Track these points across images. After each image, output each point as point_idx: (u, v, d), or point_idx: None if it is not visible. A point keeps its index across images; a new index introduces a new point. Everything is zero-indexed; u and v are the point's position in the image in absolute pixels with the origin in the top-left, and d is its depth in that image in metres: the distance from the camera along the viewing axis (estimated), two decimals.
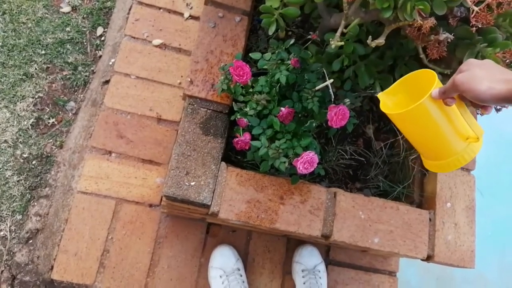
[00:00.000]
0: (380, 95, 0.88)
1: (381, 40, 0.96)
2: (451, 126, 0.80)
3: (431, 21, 0.85)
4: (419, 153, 0.92)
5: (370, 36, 0.97)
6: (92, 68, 1.62)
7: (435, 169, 0.88)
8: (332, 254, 1.52)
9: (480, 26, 0.85)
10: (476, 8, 0.83)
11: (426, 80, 0.80)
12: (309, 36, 1.17)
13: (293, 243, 1.50)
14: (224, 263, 1.38)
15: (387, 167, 1.40)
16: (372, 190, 1.37)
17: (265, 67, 1.14)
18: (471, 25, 0.85)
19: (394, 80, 1.19)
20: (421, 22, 0.86)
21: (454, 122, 0.80)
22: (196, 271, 1.41)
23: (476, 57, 0.93)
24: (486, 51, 0.91)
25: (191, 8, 1.65)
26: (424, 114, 0.78)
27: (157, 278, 1.38)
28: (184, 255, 1.41)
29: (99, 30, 1.67)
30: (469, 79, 0.71)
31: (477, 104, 0.73)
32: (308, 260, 1.43)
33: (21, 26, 1.61)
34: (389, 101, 0.87)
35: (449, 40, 0.91)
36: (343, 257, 1.53)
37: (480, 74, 0.70)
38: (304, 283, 1.38)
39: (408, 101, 0.85)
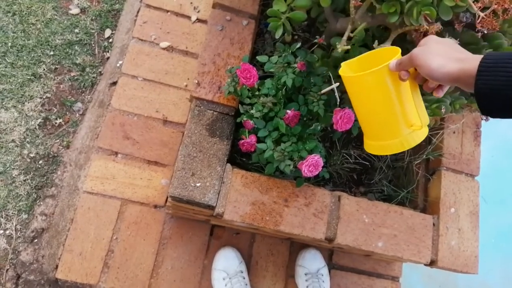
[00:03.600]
0: (343, 64, 0.86)
1: (387, 45, 0.97)
2: (401, 106, 0.78)
3: (437, 26, 0.86)
4: (363, 132, 0.89)
5: (376, 41, 0.98)
6: (99, 70, 1.64)
7: (376, 151, 0.86)
8: (335, 258, 1.52)
9: (485, 32, 0.85)
10: (481, 14, 0.83)
11: (391, 56, 0.78)
12: (315, 40, 1.18)
13: (296, 246, 1.50)
14: (227, 265, 1.38)
15: (391, 172, 1.41)
16: (376, 195, 1.38)
17: (272, 70, 1.15)
18: (476, 30, 0.86)
19: None
20: (427, 27, 0.87)
21: (404, 103, 0.78)
22: (199, 273, 1.41)
23: None
24: None
25: (198, 11, 1.67)
26: (378, 82, 0.76)
27: (160, 279, 1.38)
28: (188, 256, 1.42)
29: (107, 32, 1.69)
30: (424, 54, 0.69)
31: (431, 87, 0.72)
32: (311, 263, 1.43)
33: (31, 27, 1.63)
34: (351, 72, 0.85)
35: None
36: (346, 261, 1.53)
37: (435, 50, 0.68)
38: (307, 287, 1.38)
39: None
